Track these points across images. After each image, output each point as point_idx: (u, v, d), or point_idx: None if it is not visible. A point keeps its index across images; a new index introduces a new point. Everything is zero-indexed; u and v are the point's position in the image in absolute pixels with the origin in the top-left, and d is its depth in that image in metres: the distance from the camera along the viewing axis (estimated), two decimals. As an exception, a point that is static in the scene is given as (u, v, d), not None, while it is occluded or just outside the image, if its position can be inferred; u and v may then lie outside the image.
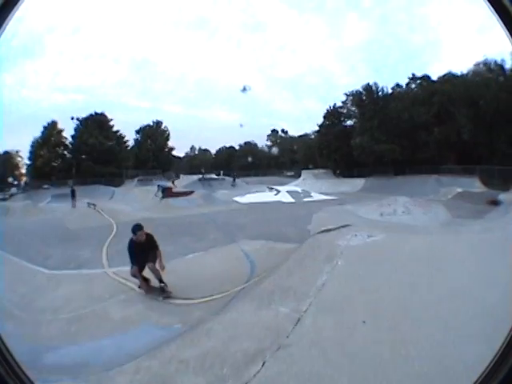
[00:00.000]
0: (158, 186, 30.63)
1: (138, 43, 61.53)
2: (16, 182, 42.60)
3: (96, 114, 44.77)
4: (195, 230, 16.41)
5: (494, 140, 31.75)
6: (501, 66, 34.35)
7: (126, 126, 46.90)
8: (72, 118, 43.69)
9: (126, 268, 9.28)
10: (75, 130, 44.65)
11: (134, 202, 27.43)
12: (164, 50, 64.95)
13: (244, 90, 40.95)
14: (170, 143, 50.76)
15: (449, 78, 37.87)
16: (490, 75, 34.75)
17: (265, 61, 62.42)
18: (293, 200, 27.87)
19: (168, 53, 59.80)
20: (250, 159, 50.56)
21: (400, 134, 37.23)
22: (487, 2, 1.68)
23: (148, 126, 49.50)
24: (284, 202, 27.11)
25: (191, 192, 28.74)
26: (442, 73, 39.15)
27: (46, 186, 38.85)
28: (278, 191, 30.40)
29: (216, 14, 65.24)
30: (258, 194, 30.56)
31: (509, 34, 1.64)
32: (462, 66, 39.07)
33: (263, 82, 64.76)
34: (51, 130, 43.96)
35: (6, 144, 39.18)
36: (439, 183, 30.75)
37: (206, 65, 65.57)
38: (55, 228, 18.23)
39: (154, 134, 49.20)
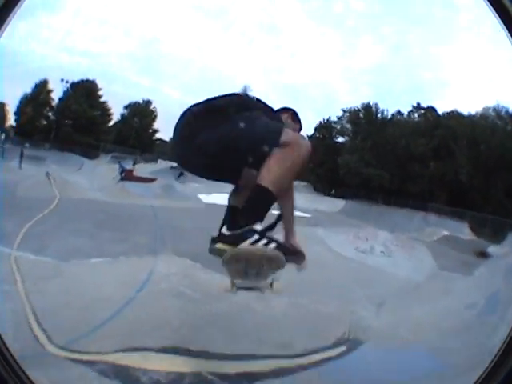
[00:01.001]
0: (120, 164, 28.99)
1: (152, 19, 60.31)
2: (3, 136, 41.36)
3: (87, 80, 43.46)
4: (128, 225, 14.83)
5: (491, 187, 30.68)
6: (511, 116, 33.59)
7: (121, 100, 45.94)
8: (62, 80, 42.36)
9: (33, 257, 8.87)
10: (64, 92, 43.41)
11: (96, 179, 26.05)
12: (176, 32, 63.83)
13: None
14: (158, 125, 49.51)
15: (454, 116, 36.76)
16: (498, 122, 33.93)
17: (272, 64, 61.56)
18: None
19: (179, 35, 58.84)
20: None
21: (392, 161, 35.90)
22: (487, 2, 1.72)
23: (137, 103, 48.20)
24: None
25: (153, 179, 27.05)
26: (447, 110, 38.10)
27: (26, 145, 37.42)
28: None
29: (236, 7, 64.41)
30: (224, 196, 27.98)
31: (509, 34, 1.68)
32: (470, 107, 38.13)
33: (265, 84, 63.94)
34: (41, 88, 42.68)
35: (3, 94, 38.56)
36: (425, 221, 29.32)
37: (214, 55, 64.53)
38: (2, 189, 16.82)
39: (141, 113, 47.88)
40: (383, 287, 11.94)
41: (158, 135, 51.03)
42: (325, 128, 44.24)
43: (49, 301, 6.64)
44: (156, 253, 11.22)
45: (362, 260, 14.90)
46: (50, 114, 43.51)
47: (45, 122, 43.18)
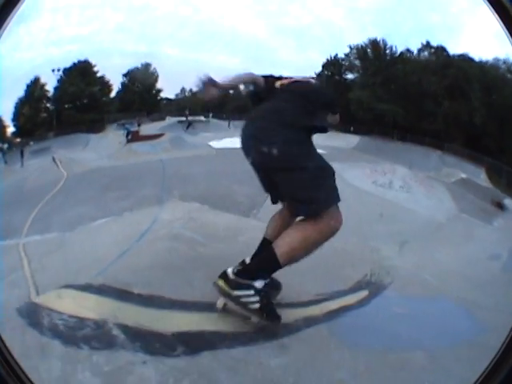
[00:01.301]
0: (125, 127, 28.28)
1: None
2: (6, 145, 41.59)
3: (79, 62, 42.25)
4: (133, 182, 14.15)
5: (505, 137, 28.73)
6: None
7: (120, 71, 44.91)
8: (53, 71, 41.42)
9: (39, 237, 8.67)
10: (58, 81, 42.51)
11: (102, 149, 26.04)
12: None
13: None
14: (163, 86, 48.36)
15: (465, 59, 34.23)
16: (509, 75, 31.58)
17: (272, 8, 58.58)
18: None
19: None
20: (243, 101, 48.29)
21: (405, 97, 33.80)
22: (487, 2, 1.78)
23: (136, 68, 46.97)
24: None
25: (160, 135, 26.40)
26: (458, 52, 35.47)
27: (31, 143, 37.40)
28: None
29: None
30: (236, 139, 27.15)
31: (509, 34, 1.74)
32: (481, 55, 35.48)
33: (268, 29, 61.22)
34: (34, 86, 42.07)
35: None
36: (442, 161, 27.80)
37: (210, 9, 61.88)
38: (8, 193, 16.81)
39: (141, 76, 46.85)
40: (405, 224, 11.53)
41: (162, 95, 49.96)
42: (332, 65, 41.68)
43: (50, 274, 6.20)
44: (162, 202, 10.67)
45: (381, 194, 14.49)
46: (48, 105, 42.74)
47: (45, 115, 42.65)
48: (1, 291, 6.56)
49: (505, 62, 32.41)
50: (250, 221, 9.03)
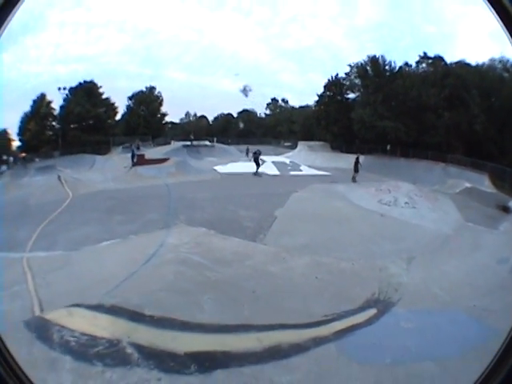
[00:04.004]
0: (132, 150, 28.47)
1: (142, 11, 59.18)
2: (11, 159, 41.76)
3: (85, 82, 42.98)
4: (139, 206, 14.31)
5: (505, 140, 29.10)
6: None
7: (125, 93, 45.53)
8: (59, 89, 42.05)
9: (43, 254, 8.73)
10: (64, 100, 43.07)
11: (108, 171, 25.65)
12: (170, 19, 62.60)
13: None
14: (168, 109, 48.89)
15: (462, 65, 34.99)
16: (505, 74, 32.24)
17: (273, 32, 59.88)
18: (278, 172, 25.50)
19: (174, 21, 57.63)
20: (241, 125, 48.84)
21: (406, 113, 34.27)
22: (487, 2, 1.72)
23: (141, 91, 47.65)
24: (268, 174, 24.47)
25: (166, 159, 26.22)
26: (455, 60, 36.31)
27: (36, 160, 37.60)
28: (264, 161, 26.95)
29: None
30: (240, 164, 27.79)
31: (509, 34, 1.66)
32: (477, 58, 36.34)
33: (270, 52, 62.61)
34: (40, 103, 42.57)
35: (3, 122, 38.75)
36: (446, 173, 27.85)
37: (214, 33, 63.19)
38: (14, 205, 16.88)
39: (146, 100, 47.43)
40: (412, 241, 11.37)
41: (167, 119, 50.58)
42: (334, 85, 42.59)
43: (55, 290, 6.35)
44: (168, 226, 10.60)
45: (387, 212, 14.09)
46: (53, 123, 43.28)
47: (50, 133, 43.10)
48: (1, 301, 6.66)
49: (500, 61, 32.92)
50: (257, 245, 8.95)
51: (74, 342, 4.09)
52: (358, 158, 25.09)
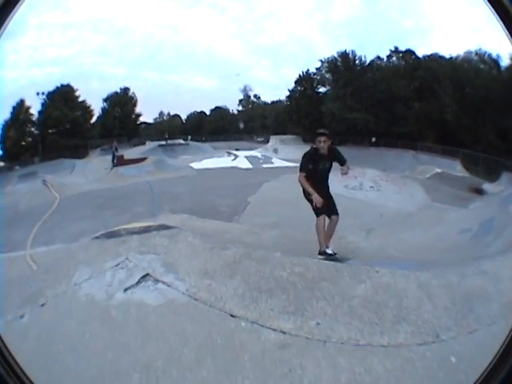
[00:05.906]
0: (112, 152, 29.51)
1: (116, 11, 59.10)
2: None
3: (62, 86, 43.17)
4: (125, 201, 15.67)
5: (479, 127, 30.15)
6: (495, 61, 32.37)
7: (100, 95, 45.74)
8: (37, 94, 42.14)
9: (43, 249, 8.74)
10: (42, 105, 43.10)
11: (89, 174, 26.70)
12: (144, 17, 62.75)
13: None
14: (141, 109, 49.32)
15: (435, 58, 36.09)
16: (481, 66, 33.10)
17: (247, 28, 60.57)
18: (250, 166, 26.66)
19: (148, 20, 57.86)
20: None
21: (376, 105, 35.36)
22: (487, 2, 1.74)
23: (115, 93, 48.03)
24: (241, 168, 25.79)
25: (144, 159, 27.56)
26: (428, 53, 37.24)
27: (17, 167, 37.56)
28: (236, 156, 29.09)
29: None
30: (215, 160, 29.11)
31: (509, 34, 1.69)
32: (452, 51, 37.14)
33: (243, 49, 63.31)
34: (19, 109, 42.48)
35: None
36: (416, 160, 28.73)
37: (187, 31, 63.53)
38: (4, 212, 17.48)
39: (120, 101, 47.89)
40: (373, 217, 12.23)
41: (141, 119, 51.03)
42: (305, 80, 43.74)
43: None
44: (154, 215, 11.88)
45: (352, 195, 14.80)
46: (32, 129, 43.32)
47: (30, 139, 43.09)
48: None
49: (477, 54, 33.76)
50: (233, 224, 10.35)
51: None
52: None
